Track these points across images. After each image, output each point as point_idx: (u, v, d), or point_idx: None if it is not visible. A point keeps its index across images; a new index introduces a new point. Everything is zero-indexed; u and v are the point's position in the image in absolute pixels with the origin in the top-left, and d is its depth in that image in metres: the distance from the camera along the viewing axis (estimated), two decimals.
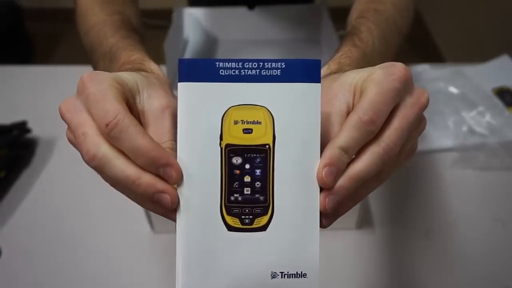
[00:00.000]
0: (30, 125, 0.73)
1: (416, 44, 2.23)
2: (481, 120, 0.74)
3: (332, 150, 0.26)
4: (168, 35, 0.75)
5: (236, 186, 0.27)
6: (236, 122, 0.27)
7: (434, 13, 2.20)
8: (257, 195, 0.27)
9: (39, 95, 0.85)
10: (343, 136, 0.26)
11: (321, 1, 0.91)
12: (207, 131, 0.27)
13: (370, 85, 0.27)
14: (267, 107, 0.27)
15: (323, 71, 0.34)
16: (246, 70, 0.27)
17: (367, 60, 0.39)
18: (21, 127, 0.72)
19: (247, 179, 0.27)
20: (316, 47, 0.90)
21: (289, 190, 0.27)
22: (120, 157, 0.26)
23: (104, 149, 0.26)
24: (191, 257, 0.27)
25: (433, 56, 2.08)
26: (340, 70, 0.36)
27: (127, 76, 0.29)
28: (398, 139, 0.26)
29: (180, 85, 0.27)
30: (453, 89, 0.80)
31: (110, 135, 0.25)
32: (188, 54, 0.87)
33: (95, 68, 0.44)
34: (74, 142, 0.28)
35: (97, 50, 0.43)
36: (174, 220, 0.27)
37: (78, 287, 0.55)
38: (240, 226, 0.27)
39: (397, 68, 0.27)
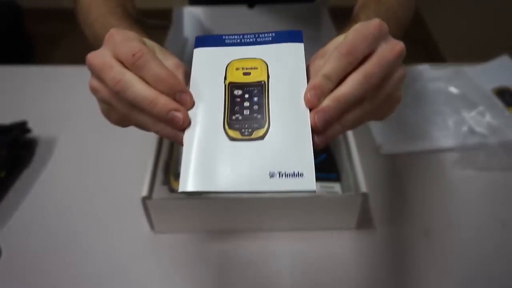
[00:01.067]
0: (30, 125, 0.73)
1: (416, 44, 2.23)
2: (481, 120, 0.74)
3: (316, 77, 0.31)
4: (168, 34, 0.75)
5: (237, 109, 0.32)
6: (237, 69, 0.34)
7: (435, 13, 2.20)
8: (255, 115, 0.32)
9: (39, 95, 0.85)
10: (325, 67, 0.31)
11: (321, 0, 0.91)
12: (214, 76, 0.34)
13: (349, 32, 0.32)
14: (262, 58, 0.35)
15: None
16: (245, 39, 0.36)
17: None
18: (21, 127, 0.72)
19: (246, 103, 0.33)
20: (316, 46, 0.89)
21: (283, 111, 0.32)
22: (141, 82, 0.30)
23: (128, 75, 0.30)
24: (195, 161, 0.30)
25: (433, 56, 2.08)
26: None
27: (147, 41, 0.34)
28: (376, 69, 0.30)
29: (196, 50, 0.36)
30: (453, 89, 0.80)
31: (136, 64, 0.30)
32: (188, 54, 0.87)
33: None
34: (97, 86, 0.33)
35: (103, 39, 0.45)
36: (182, 142, 0.31)
37: (78, 287, 0.55)
38: (241, 137, 0.31)
39: (373, 20, 0.32)
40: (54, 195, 0.66)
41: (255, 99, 0.33)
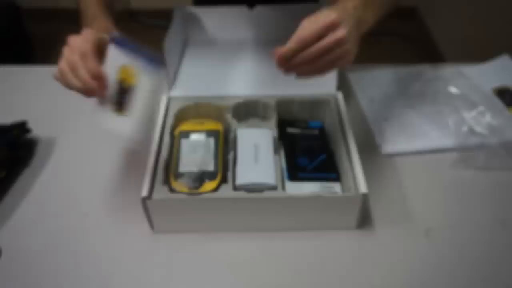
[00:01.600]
0: (30, 125, 0.73)
1: (416, 44, 2.23)
2: (481, 120, 0.74)
3: (281, 51, 0.52)
4: (168, 35, 0.75)
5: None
6: None
7: (434, 13, 2.20)
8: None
9: (39, 95, 0.85)
10: (287, 46, 0.51)
11: (322, 0, 0.91)
12: None
13: (303, 23, 0.52)
14: None
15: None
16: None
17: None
18: (21, 127, 0.72)
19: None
20: None
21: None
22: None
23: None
24: None
25: (433, 56, 2.08)
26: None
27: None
28: (314, 52, 0.50)
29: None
30: (453, 89, 0.80)
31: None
32: (188, 54, 0.87)
33: (84, 23, 0.67)
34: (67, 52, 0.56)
35: (83, 15, 0.67)
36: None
37: (78, 287, 0.55)
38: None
39: (326, 18, 0.50)
40: (54, 195, 0.66)
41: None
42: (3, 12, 2.00)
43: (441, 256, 0.57)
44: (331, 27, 0.50)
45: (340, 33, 0.49)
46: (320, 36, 0.50)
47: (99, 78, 0.53)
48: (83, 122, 0.78)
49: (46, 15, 2.40)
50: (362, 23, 0.54)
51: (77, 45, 0.55)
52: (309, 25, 0.50)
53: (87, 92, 0.53)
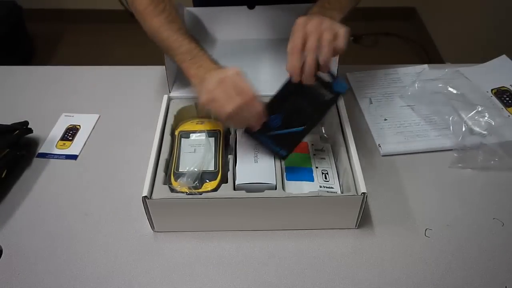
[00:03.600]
0: (31, 125, 0.74)
1: (416, 44, 2.23)
2: (480, 120, 0.74)
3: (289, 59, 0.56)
4: None
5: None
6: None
7: (434, 13, 2.20)
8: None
9: (40, 95, 0.85)
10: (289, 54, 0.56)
11: None
12: None
13: (293, 29, 0.57)
14: None
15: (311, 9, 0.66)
16: None
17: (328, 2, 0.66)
18: (23, 127, 0.72)
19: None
20: None
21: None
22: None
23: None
24: None
25: (433, 56, 2.08)
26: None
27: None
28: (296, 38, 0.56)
29: None
30: (452, 90, 0.80)
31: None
32: None
33: (175, 58, 0.65)
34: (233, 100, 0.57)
35: (176, 51, 0.64)
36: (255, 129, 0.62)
37: (78, 287, 0.55)
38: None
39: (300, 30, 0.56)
40: (54, 195, 0.66)
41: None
42: (4, 13, 2.00)
43: (440, 256, 0.58)
44: (302, 26, 0.56)
45: (314, 21, 0.56)
46: (303, 37, 0.55)
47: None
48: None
49: (47, 15, 2.40)
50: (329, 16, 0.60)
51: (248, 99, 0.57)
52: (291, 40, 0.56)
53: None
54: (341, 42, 0.56)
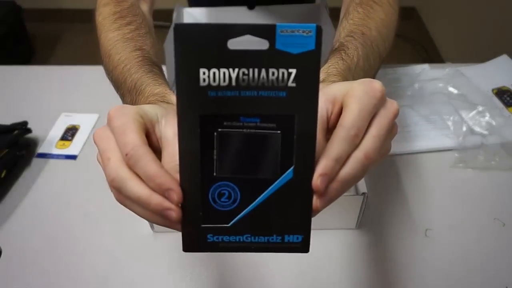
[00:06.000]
0: (30, 125, 0.73)
1: (416, 44, 2.23)
2: (481, 120, 0.74)
3: (327, 161, 0.29)
4: (168, 35, 0.75)
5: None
6: None
7: (434, 13, 2.20)
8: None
9: (39, 95, 0.85)
10: (335, 149, 0.30)
11: (321, 1, 0.91)
12: None
13: (352, 100, 0.31)
14: None
15: None
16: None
17: (351, 74, 0.43)
18: (22, 127, 0.72)
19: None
20: None
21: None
22: (134, 179, 0.30)
23: (122, 173, 0.30)
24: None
25: (433, 56, 2.08)
26: (327, 79, 0.41)
27: (149, 109, 0.35)
28: (376, 145, 0.31)
29: None
30: (452, 89, 0.80)
31: (129, 163, 0.30)
32: None
33: (123, 100, 0.49)
34: (102, 164, 0.33)
35: (123, 86, 0.48)
36: (180, 230, 0.32)
37: (78, 287, 0.55)
38: None
39: (375, 85, 0.32)
40: (53, 195, 0.66)
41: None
42: (3, 12, 2.00)
43: (441, 256, 0.57)
44: (379, 103, 0.32)
45: (394, 104, 0.33)
46: (369, 120, 0.31)
47: (166, 187, 0.30)
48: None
49: (46, 15, 2.40)
50: None
51: (117, 143, 0.32)
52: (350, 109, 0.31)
53: (167, 220, 0.31)
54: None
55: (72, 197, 0.66)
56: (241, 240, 0.32)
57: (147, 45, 0.53)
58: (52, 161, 0.71)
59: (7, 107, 0.82)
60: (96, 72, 0.90)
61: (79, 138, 0.75)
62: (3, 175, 0.66)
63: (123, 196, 0.32)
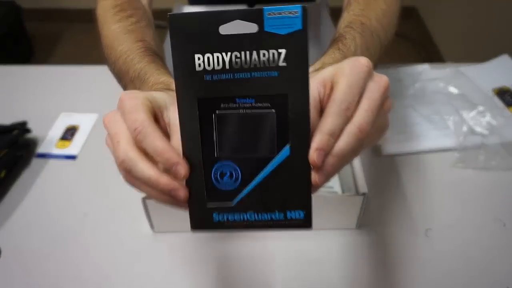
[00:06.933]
0: (30, 125, 0.73)
1: (416, 44, 2.23)
2: (481, 120, 0.74)
3: (321, 136, 0.30)
4: (168, 35, 0.74)
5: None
6: None
7: (434, 13, 2.20)
8: None
9: (39, 95, 0.85)
10: (328, 123, 0.30)
11: (321, 0, 0.91)
12: None
13: (340, 78, 0.32)
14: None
15: (310, 69, 0.37)
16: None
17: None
18: (22, 127, 0.72)
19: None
20: (317, 46, 0.90)
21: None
22: (144, 161, 0.32)
23: (131, 154, 0.32)
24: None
25: (433, 56, 2.08)
26: (322, 68, 0.40)
27: (157, 95, 0.35)
28: (368, 118, 0.31)
29: None
30: (453, 89, 0.80)
31: (137, 138, 0.31)
32: None
33: (125, 90, 0.49)
34: (111, 148, 0.34)
35: (125, 76, 0.48)
36: (187, 209, 0.32)
37: (78, 287, 0.55)
38: None
39: (361, 60, 0.33)
40: (53, 195, 0.66)
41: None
42: (3, 12, 2.00)
43: (441, 256, 0.57)
44: (368, 76, 0.33)
45: (383, 77, 0.34)
46: (360, 94, 0.32)
47: (173, 161, 0.31)
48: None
49: (46, 15, 2.40)
50: None
51: (126, 123, 0.33)
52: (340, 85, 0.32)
53: (174, 200, 0.32)
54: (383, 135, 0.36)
55: (72, 197, 0.66)
56: (245, 218, 0.32)
57: (148, 36, 0.53)
58: (51, 161, 0.71)
59: (7, 107, 0.82)
60: (96, 72, 0.90)
61: (79, 138, 0.75)
62: (3, 175, 0.66)
63: (132, 177, 0.33)
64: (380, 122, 0.34)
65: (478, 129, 0.73)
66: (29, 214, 0.64)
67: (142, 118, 0.31)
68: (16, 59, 2.03)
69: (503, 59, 0.88)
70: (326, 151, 0.30)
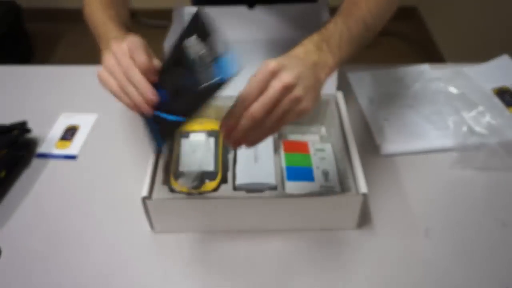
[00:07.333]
0: (30, 125, 0.73)
1: (416, 44, 2.23)
2: (481, 120, 0.74)
3: (226, 119, 0.45)
4: (168, 34, 0.75)
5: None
6: None
7: (434, 13, 2.20)
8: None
9: (39, 95, 0.85)
10: (233, 109, 0.45)
11: (321, 0, 0.91)
12: None
13: (251, 78, 0.44)
14: None
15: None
16: None
17: (325, 43, 0.51)
18: (21, 127, 0.72)
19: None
20: None
21: None
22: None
23: (136, 42, 0.48)
24: None
25: (433, 56, 2.08)
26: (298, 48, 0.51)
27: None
28: (258, 108, 0.43)
29: None
30: (453, 89, 0.80)
31: (131, 47, 0.47)
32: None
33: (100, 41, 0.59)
34: (105, 62, 0.49)
35: (104, 39, 0.58)
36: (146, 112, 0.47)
37: (78, 287, 0.55)
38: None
39: (268, 63, 0.44)
40: (53, 195, 0.66)
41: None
42: (3, 12, 2.00)
43: (440, 256, 0.57)
44: (270, 76, 0.44)
45: (284, 77, 0.43)
46: (261, 90, 0.44)
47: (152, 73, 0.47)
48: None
49: (46, 15, 2.40)
50: (319, 66, 0.48)
51: (125, 45, 0.48)
52: (249, 83, 0.44)
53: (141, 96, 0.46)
54: (297, 116, 0.45)
55: (72, 197, 0.66)
56: (151, 123, 0.49)
57: (122, 12, 0.63)
58: (52, 161, 0.71)
59: (7, 107, 0.82)
60: (95, 72, 0.90)
61: (79, 138, 0.75)
62: (3, 175, 0.66)
63: (120, 67, 0.47)
64: (284, 108, 0.44)
65: (478, 129, 0.73)
66: (29, 214, 0.64)
67: (137, 39, 0.48)
68: (16, 59, 2.03)
69: (503, 59, 0.88)
70: (229, 127, 0.45)
